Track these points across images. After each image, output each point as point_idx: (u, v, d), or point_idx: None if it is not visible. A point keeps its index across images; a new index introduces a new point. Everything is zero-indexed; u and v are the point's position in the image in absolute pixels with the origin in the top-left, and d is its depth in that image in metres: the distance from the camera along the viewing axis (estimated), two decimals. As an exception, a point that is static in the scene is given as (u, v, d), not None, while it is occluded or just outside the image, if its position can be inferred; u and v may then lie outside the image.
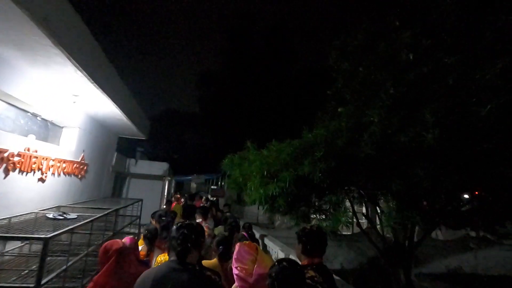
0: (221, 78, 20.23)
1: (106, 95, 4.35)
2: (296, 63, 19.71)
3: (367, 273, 10.43)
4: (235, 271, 1.87)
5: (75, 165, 5.28)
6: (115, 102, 4.79)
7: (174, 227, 1.71)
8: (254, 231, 6.39)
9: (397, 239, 4.92)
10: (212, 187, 22.16)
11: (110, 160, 7.60)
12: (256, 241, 3.77)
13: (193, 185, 28.09)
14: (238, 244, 1.98)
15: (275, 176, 4.53)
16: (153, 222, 4.47)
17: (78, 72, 3.56)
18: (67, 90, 4.19)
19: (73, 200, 5.31)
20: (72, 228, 3.06)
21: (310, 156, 3.89)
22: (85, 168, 5.80)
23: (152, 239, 2.89)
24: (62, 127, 5.17)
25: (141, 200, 7.35)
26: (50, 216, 3.57)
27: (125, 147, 11.43)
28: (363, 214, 5.66)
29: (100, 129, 6.40)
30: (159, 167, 9.99)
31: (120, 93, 5.26)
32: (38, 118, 4.26)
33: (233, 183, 5.55)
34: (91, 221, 3.66)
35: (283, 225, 15.99)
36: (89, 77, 3.75)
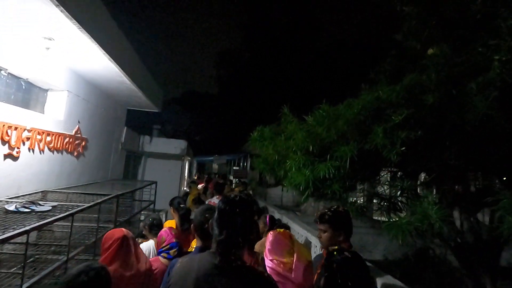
0: (241, 56, 18.95)
1: (93, 40, 3.10)
2: (321, 34, 17.83)
3: (414, 266, 9.13)
4: (270, 264, 1.58)
5: (67, 139, 4.17)
6: (109, 54, 3.55)
7: (217, 203, 1.19)
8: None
9: (478, 234, 3.59)
10: (234, 168, 21.36)
11: (119, 136, 6.52)
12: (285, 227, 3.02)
13: (215, 166, 27.51)
14: (271, 232, 1.76)
15: (327, 152, 3.24)
16: (172, 211, 3.53)
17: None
18: (37, 31, 2.97)
19: (67, 183, 4.25)
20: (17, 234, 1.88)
21: (383, 121, 2.84)
22: (83, 143, 4.71)
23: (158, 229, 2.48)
24: (47, 90, 4.04)
25: (155, 182, 6.28)
26: (11, 208, 2.46)
27: (139, 124, 10.43)
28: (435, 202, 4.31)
29: (101, 97, 5.25)
30: (177, 145, 8.88)
31: (119, 47, 4.01)
32: (2, 72, 3.10)
33: (264, 162, 4.33)
34: (70, 214, 2.52)
35: (309, 208, 14.71)
36: (64, 9, 2.50)
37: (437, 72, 3.07)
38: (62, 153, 4.10)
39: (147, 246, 2.50)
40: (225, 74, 20.35)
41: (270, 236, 1.73)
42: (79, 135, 4.55)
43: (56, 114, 4.02)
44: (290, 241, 1.73)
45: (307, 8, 17.15)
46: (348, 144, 3.15)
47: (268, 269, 1.61)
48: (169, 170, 9.49)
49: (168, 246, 2.17)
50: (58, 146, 3.95)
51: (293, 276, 1.58)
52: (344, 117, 3.30)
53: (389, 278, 2.54)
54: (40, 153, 3.60)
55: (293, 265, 1.61)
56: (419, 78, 3.12)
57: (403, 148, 2.70)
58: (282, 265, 1.60)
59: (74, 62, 3.82)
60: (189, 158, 13.93)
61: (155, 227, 2.54)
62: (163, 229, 2.35)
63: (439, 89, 2.93)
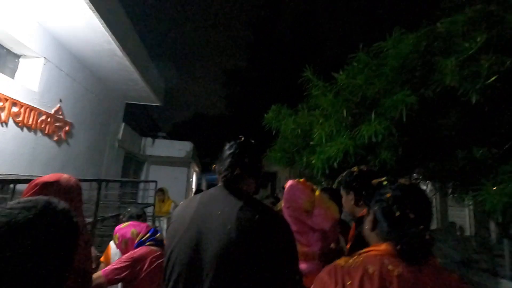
0: (248, 74, 18.71)
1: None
2: (326, 51, 17.42)
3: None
4: (287, 212, 1.46)
5: (43, 117, 3.42)
6: (93, 4, 2.85)
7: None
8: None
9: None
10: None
11: (115, 131, 5.77)
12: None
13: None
14: (289, 181, 1.54)
15: (369, 111, 2.50)
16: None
17: None
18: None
19: (41, 173, 3.46)
20: None
21: (454, 52, 2.10)
22: (66, 128, 3.95)
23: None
24: (19, 56, 3.34)
25: (155, 181, 5.45)
26: None
27: (143, 128, 9.76)
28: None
29: (91, 79, 4.54)
30: (181, 147, 8.08)
31: (107, 3, 3.35)
32: None
33: (279, 150, 3.60)
34: None
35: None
36: None
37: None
38: (35, 133, 3.34)
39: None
40: (233, 92, 20.10)
41: (288, 184, 1.55)
42: (60, 116, 3.79)
43: (29, 84, 3.29)
44: (312, 193, 1.52)
45: (313, 23, 16.81)
46: (403, 91, 2.34)
47: (287, 218, 1.39)
48: (175, 178, 8.66)
49: (148, 234, 1.77)
50: (30, 122, 3.19)
51: (310, 221, 1.42)
52: (394, 57, 2.50)
53: None
54: (2, 126, 2.84)
55: (313, 211, 1.43)
56: (485, 8, 2.33)
57: (494, 77, 1.90)
58: (299, 210, 1.44)
59: (47, 14, 3.06)
60: (197, 170, 13.11)
61: (134, 219, 2.03)
62: (123, 226, 1.83)
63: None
